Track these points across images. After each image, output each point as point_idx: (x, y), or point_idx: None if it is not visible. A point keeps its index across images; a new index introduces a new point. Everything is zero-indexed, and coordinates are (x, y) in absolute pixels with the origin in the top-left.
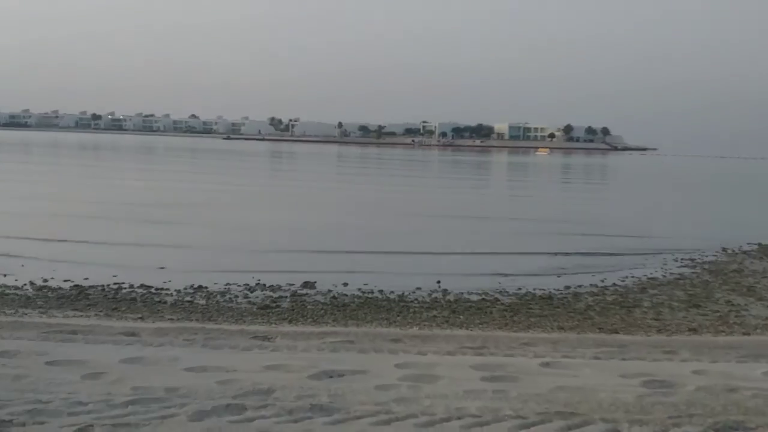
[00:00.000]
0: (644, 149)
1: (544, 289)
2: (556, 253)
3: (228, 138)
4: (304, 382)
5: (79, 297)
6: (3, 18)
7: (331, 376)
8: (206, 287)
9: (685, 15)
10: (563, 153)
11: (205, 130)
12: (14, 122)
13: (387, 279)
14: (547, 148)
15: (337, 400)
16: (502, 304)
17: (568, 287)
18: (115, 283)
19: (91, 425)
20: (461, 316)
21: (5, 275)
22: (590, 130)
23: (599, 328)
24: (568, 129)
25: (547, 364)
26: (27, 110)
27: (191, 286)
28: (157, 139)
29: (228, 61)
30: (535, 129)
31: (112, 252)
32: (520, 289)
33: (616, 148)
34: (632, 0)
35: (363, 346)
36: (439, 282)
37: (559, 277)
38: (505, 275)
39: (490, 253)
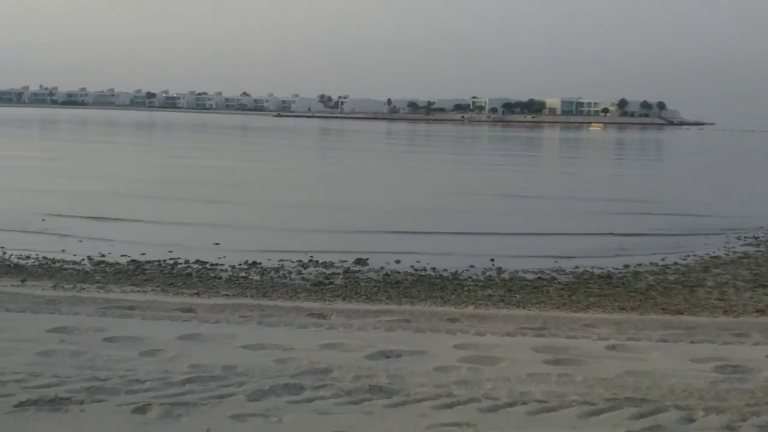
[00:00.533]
0: (701, 124)
1: (602, 268)
2: (612, 233)
3: (278, 115)
4: (361, 362)
5: (135, 272)
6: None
7: (388, 357)
8: (260, 263)
9: None
10: (617, 128)
11: (256, 107)
12: (71, 100)
13: (439, 258)
14: (600, 123)
15: (396, 381)
16: (559, 283)
17: (627, 266)
18: (171, 259)
19: (149, 404)
20: (517, 295)
21: (63, 250)
22: (645, 105)
23: (662, 309)
24: (622, 104)
25: (612, 347)
26: (84, 88)
27: (245, 262)
28: (210, 117)
29: (278, 39)
30: (588, 104)
31: (168, 229)
32: (577, 267)
33: (672, 123)
34: None
35: (419, 326)
36: (492, 260)
37: (617, 256)
38: (560, 257)
39: (544, 233)
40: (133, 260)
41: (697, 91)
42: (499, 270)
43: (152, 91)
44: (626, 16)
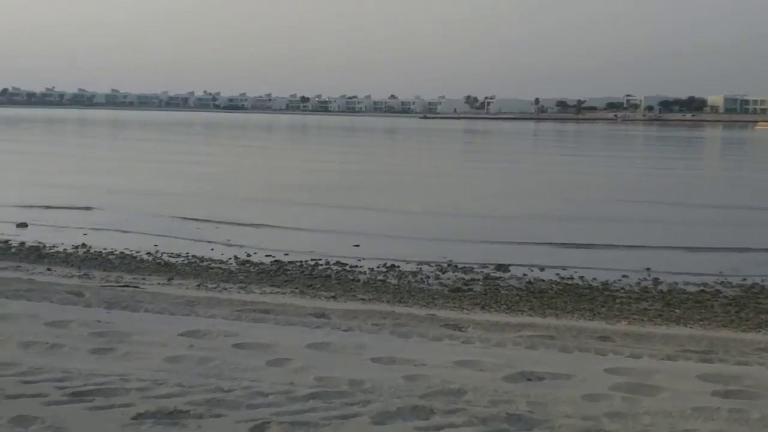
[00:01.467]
0: None
1: None
2: None
3: (424, 117)
4: (498, 385)
5: (278, 272)
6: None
7: (529, 379)
8: (398, 266)
9: None
10: None
11: (403, 109)
12: (233, 105)
13: (588, 266)
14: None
15: (538, 409)
16: (725, 297)
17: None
18: (312, 260)
19: (269, 422)
20: (677, 310)
21: (212, 249)
22: None
23: None
24: None
25: None
26: (244, 94)
27: (384, 265)
28: (359, 120)
29: (425, 40)
30: (755, 101)
31: (311, 233)
32: (745, 280)
33: None
34: None
35: (565, 344)
36: (648, 269)
37: None
38: (725, 270)
39: (707, 248)
40: (276, 260)
41: None
42: (656, 281)
43: (306, 96)
44: None
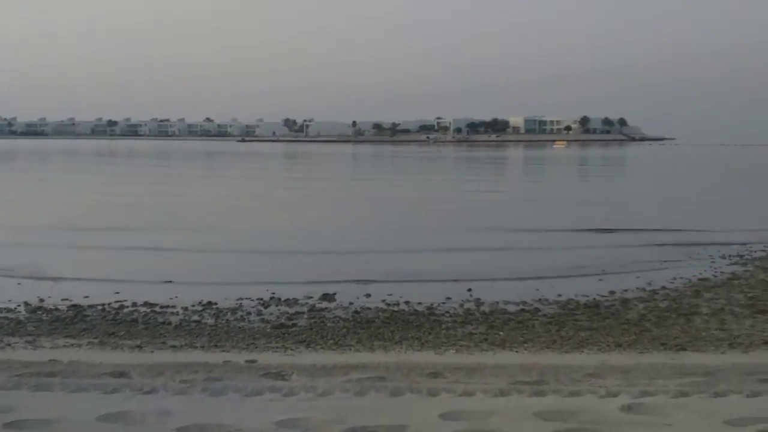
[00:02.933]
0: (662, 139)
1: (587, 296)
2: (593, 249)
3: (242, 140)
4: None
5: (75, 319)
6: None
7: None
8: (216, 303)
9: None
10: (580, 145)
11: (220, 133)
12: (31, 131)
13: (412, 287)
14: (564, 140)
15: None
16: (545, 315)
17: (612, 292)
18: (117, 301)
19: None
20: (501, 332)
21: None
22: (607, 122)
23: (662, 344)
24: (584, 121)
25: (628, 408)
26: (43, 118)
27: (200, 303)
28: (172, 144)
29: (241, 63)
30: (551, 122)
31: (118, 263)
32: (560, 295)
33: (633, 139)
34: None
35: (396, 385)
36: (470, 290)
37: (600, 279)
38: (540, 278)
39: (521, 248)
40: (74, 305)
41: (657, 107)
42: (478, 302)
43: (114, 119)
44: (583, 33)
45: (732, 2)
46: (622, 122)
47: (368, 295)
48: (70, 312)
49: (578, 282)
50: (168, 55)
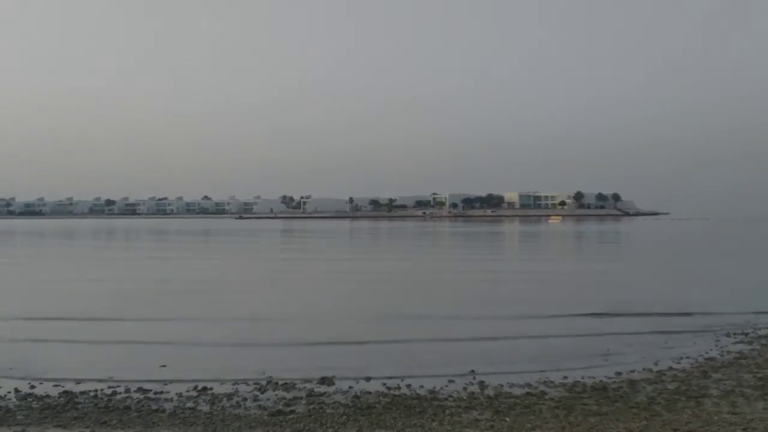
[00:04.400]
0: (656, 214)
1: (594, 377)
2: (599, 334)
3: (240, 218)
4: None
5: (66, 407)
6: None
7: None
8: (211, 389)
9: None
10: (575, 220)
11: (218, 210)
12: (30, 210)
13: (413, 370)
14: (559, 215)
15: None
16: (551, 399)
17: (619, 373)
18: (109, 387)
19: None
20: (507, 419)
21: None
22: (601, 197)
23: (674, 429)
24: (578, 196)
25: None
26: (42, 198)
27: (195, 388)
28: (170, 222)
29: (238, 145)
30: (546, 197)
31: (111, 350)
32: (566, 377)
33: (628, 214)
34: (622, 64)
35: None
36: (473, 372)
37: (606, 360)
38: (544, 359)
39: (524, 336)
40: (66, 391)
41: (650, 181)
42: (482, 385)
43: (112, 199)
44: (577, 111)
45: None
46: (616, 197)
47: (368, 379)
48: (62, 399)
49: (583, 362)
50: (164, 137)
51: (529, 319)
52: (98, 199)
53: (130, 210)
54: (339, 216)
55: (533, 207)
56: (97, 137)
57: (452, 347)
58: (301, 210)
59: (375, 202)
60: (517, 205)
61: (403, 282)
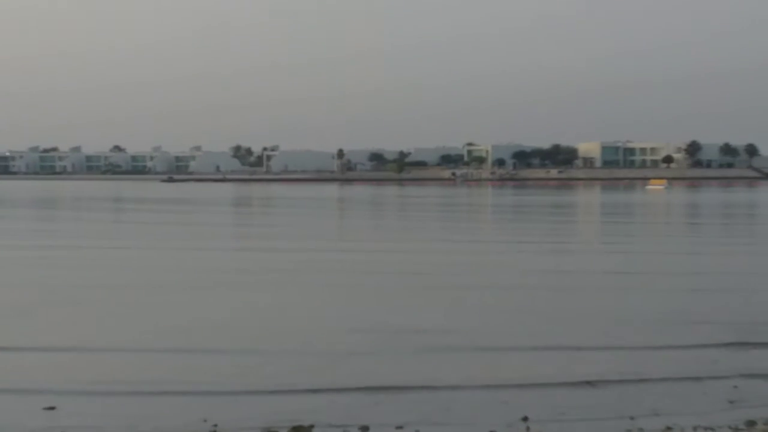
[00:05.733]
0: None
1: (712, 429)
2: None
3: (170, 179)
4: None
5: None
6: None
7: None
8: None
9: None
10: (688, 186)
11: (136, 168)
12: None
13: (436, 414)
14: (662, 179)
15: None
16: None
17: (752, 424)
18: None
19: None
20: None
21: None
22: (728, 149)
23: None
24: (693, 148)
25: None
26: None
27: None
28: (54, 186)
29: (167, 74)
30: (642, 150)
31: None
32: (669, 429)
33: None
34: None
35: None
36: (527, 420)
37: (731, 407)
38: (634, 411)
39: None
40: None
41: None
42: None
43: None
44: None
45: None
46: (751, 150)
47: (365, 429)
48: None
49: (694, 410)
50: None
51: (616, 350)
52: None
53: (1, 167)
54: (321, 178)
55: (623, 165)
56: None
57: (495, 382)
58: (264, 168)
59: (377, 157)
60: (598, 162)
61: (427, 284)
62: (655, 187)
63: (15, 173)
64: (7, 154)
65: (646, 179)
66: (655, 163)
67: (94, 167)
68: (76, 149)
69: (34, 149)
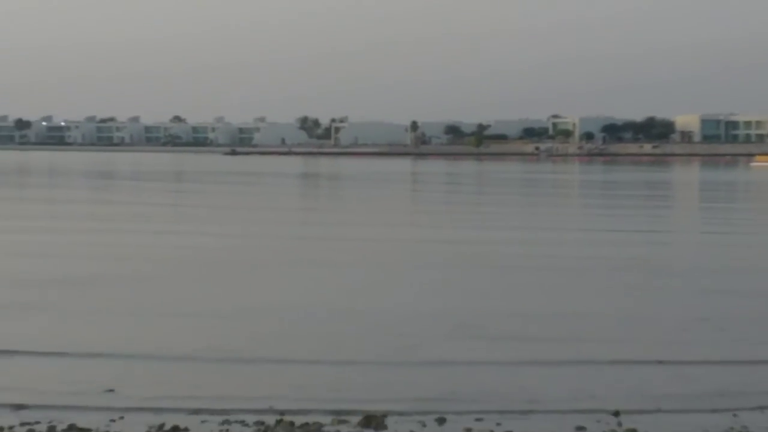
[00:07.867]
0: None
1: None
2: None
3: (232, 152)
4: None
5: None
6: None
7: None
8: (185, 429)
9: None
10: None
11: (197, 140)
12: None
13: (518, 403)
14: None
15: None
16: None
17: None
18: (23, 423)
19: None
20: None
21: None
22: None
23: None
24: None
25: None
26: None
27: (161, 428)
28: (114, 158)
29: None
30: (746, 123)
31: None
32: None
33: None
34: None
35: None
36: (617, 413)
37: None
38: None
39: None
40: None
41: None
42: None
43: (27, 119)
44: None
45: None
46: None
47: (441, 420)
48: None
49: None
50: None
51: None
52: (3, 119)
53: (56, 138)
54: (393, 152)
55: (725, 140)
56: None
57: (583, 372)
58: (332, 141)
59: (454, 130)
60: (697, 137)
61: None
62: (762, 164)
63: (70, 144)
64: (63, 124)
65: (751, 155)
66: (761, 137)
67: (153, 138)
68: (135, 119)
69: (91, 119)
